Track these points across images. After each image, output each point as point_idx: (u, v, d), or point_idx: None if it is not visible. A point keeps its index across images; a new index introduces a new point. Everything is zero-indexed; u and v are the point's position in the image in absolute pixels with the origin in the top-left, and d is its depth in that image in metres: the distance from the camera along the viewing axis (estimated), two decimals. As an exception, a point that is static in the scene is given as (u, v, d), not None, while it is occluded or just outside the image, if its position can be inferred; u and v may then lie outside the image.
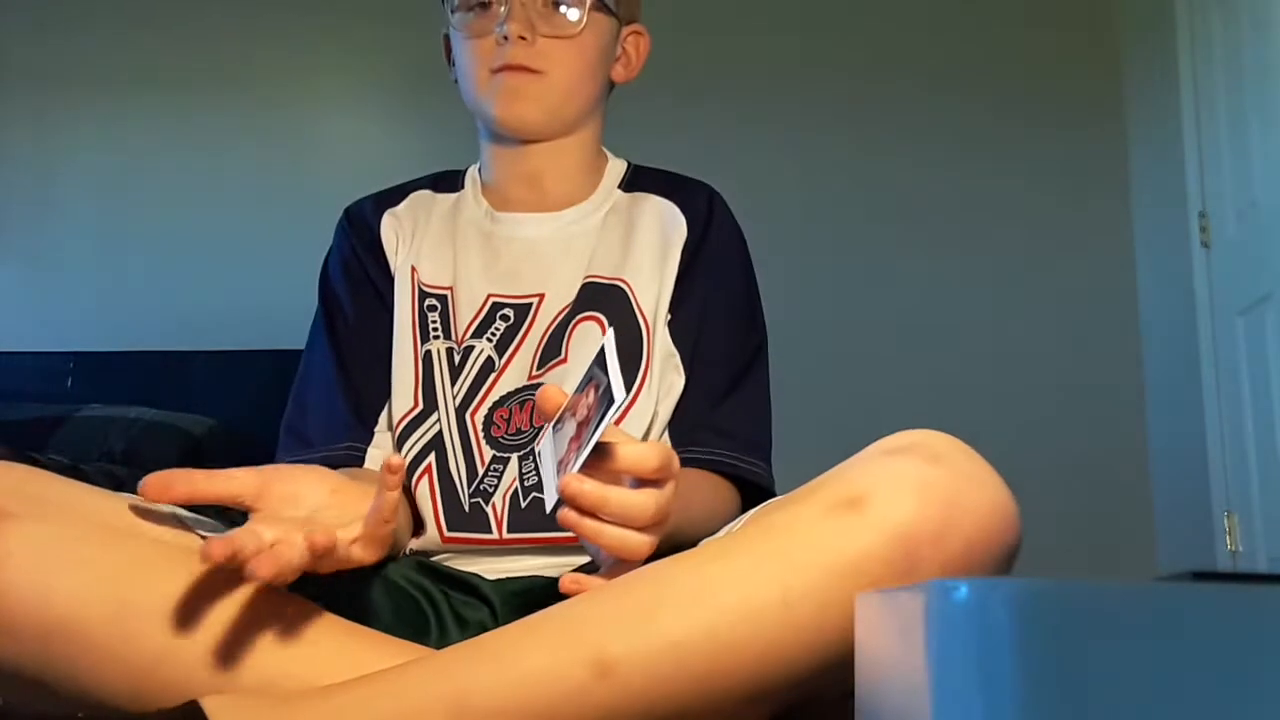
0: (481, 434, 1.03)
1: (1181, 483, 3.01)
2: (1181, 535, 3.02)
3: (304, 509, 0.77)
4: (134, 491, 0.77)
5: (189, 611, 0.72)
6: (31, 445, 2.29)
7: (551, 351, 1.05)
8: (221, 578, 0.74)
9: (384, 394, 1.08)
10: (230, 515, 0.81)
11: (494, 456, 1.01)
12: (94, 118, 3.38)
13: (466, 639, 0.73)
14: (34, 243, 3.33)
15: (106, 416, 2.62)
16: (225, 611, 0.73)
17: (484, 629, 0.74)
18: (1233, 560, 2.75)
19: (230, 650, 0.72)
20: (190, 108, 3.37)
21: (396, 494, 0.74)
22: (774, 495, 1.03)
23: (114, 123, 3.38)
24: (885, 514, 0.69)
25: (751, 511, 0.86)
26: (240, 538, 0.69)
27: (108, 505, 0.79)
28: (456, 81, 1.15)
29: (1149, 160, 3.24)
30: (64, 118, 3.37)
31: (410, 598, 0.91)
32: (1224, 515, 2.80)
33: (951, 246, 3.28)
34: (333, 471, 0.85)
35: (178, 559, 0.76)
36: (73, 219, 3.33)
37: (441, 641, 0.75)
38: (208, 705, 0.66)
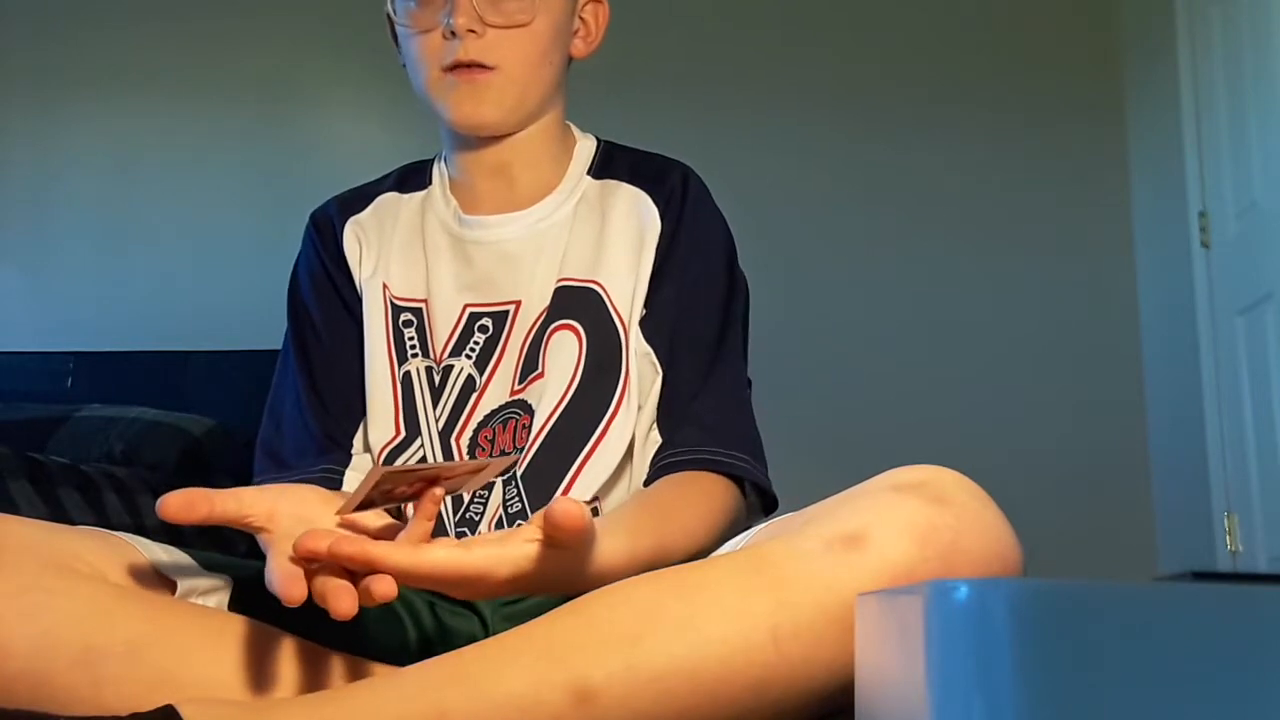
0: (467, 459, 1.00)
1: (1181, 483, 3.01)
2: (1181, 535, 3.02)
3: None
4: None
5: (156, 652, 0.72)
6: (31, 445, 2.28)
7: (530, 364, 1.02)
8: (187, 617, 0.75)
9: (359, 413, 1.05)
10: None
11: None
12: (94, 118, 3.38)
13: (451, 650, 0.72)
14: (34, 243, 3.33)
15: (106, 416, 2.61)
16: (193, 651, 0.74)
17: (474, 639, 0.73)
18: (1233, 560, 2.75)
19: (201, 689, 0.72)
20: (191, 108, 3.37)
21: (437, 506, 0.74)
22: (766, 487, 1.01)
23: (114, 123, 3.38)
24: (884, 554, 0.67)
25: (750, 532, 0.84)
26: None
27: (66, 546, 0.77)
28: (405, 66, 1.09)
29: (1149, 160, 3.24)
30: (64, 118, 3.37)
31: (390, 610, 0.89)
32: (1224, 516, 2.80)
33: (951, 246, 3.27)
34: (330, 492, 0.85)
35: (137, 601, 0.76)
36: (73, 219, 3.33)
37: (423, 653, 0.75)
38: (184, 709, 0.66)
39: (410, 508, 0.74)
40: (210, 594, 0.83)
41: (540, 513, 0.70)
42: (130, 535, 0.83)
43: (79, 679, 0.71)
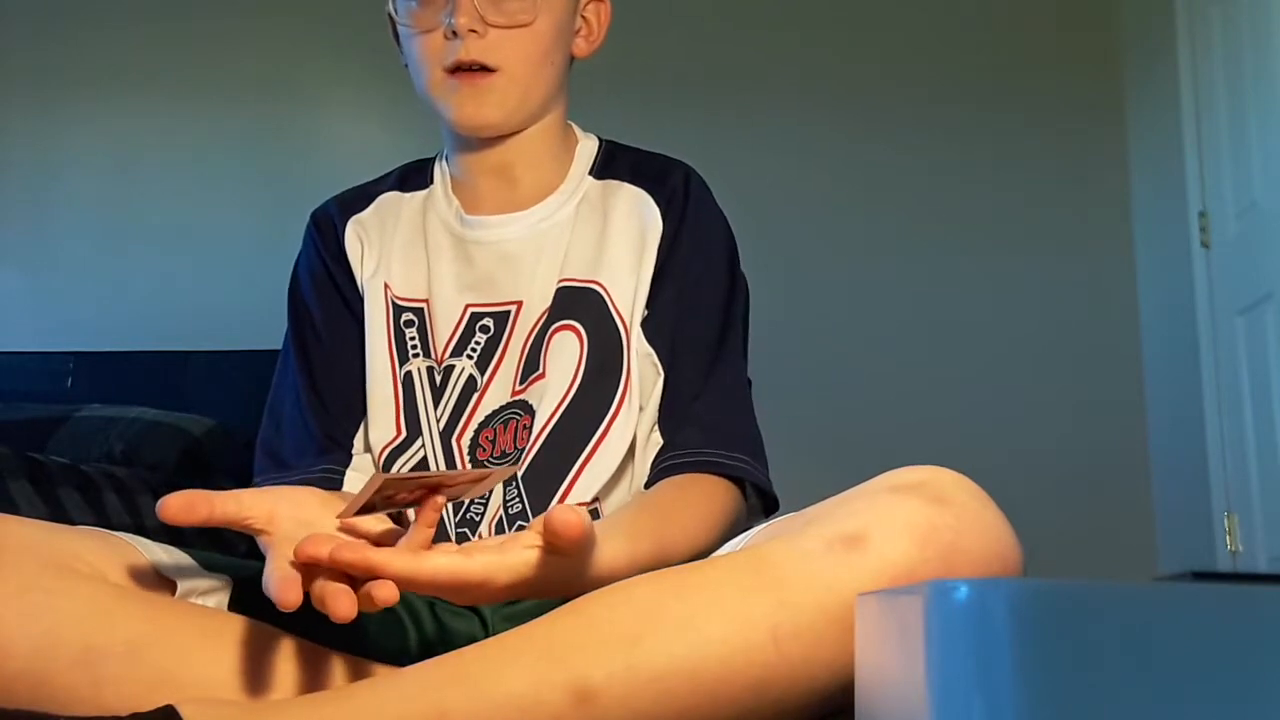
0: (468, 459, 1.00)
1: (1181, 483, 3.01)
2: (1181, 535, 3.02)
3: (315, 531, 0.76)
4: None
5: (156, 652, 0.72)
6: (31, 445, 2.28)
7: (531, 365, 1.02)
8: (187, 617, 0.75)
9: (359, 413, 1.05)
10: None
11: None
12: (94, 118, 3.38)
13: (451, 650, 0.72)
14: (34, 243, 3.33)
15: (106, 416, 2.61)
16: (193, 651, 0.74)
17: (474, 639, 0.73)
18: (1233, 560, 2.75)
19: (201, 689, 0.72)
20: (191, 108, 3.37)
21: (437, 515, 0.73)
22: (767, 489, 1.01)
23: (114, 123, 3.38)
24: (884, 555, 0.67)
25: (750, 533, 0.84)
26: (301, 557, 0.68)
27: (66, 546, 0.77)
28: (406, 66, 1.09)
29: (1149, 160, 3.24)
30: (64, 118, 3.37)
31: (391, 611, 0.88)
32: (1224, 516, 2.80)
33: (951, 246, 3.27)
34: (330, 494, 0.85)
35: (137, 601, 0.76)
36: (73, 219, 3.33)
37: (424, 654, 0.74)
38: (184, 709, 0.66)
39: (411, 513, 0.74)
40: (210, 594, 0.83)
41: (540, 518, 0.70)
42: (130, 535, 0.83)
43: (79, 679, 0.71)
